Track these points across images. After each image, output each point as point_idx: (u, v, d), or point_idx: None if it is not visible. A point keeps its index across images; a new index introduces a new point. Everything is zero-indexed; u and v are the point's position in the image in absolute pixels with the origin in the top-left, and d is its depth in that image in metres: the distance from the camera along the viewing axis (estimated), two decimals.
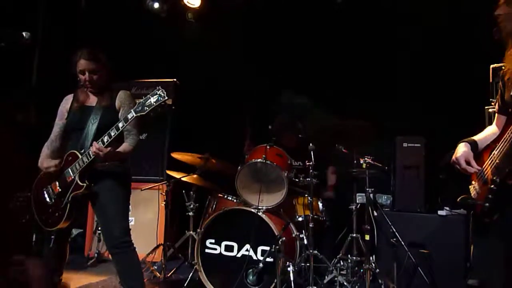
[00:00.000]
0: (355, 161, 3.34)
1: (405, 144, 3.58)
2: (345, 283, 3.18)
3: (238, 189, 3.37)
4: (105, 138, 2.40)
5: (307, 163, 3.26)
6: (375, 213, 3.43)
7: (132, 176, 2.76)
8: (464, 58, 3.90)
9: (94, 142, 2.40)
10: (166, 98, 2.32)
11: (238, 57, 4.80)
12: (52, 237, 2.57)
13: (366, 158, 3.30)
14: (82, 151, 2.48)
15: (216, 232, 3.27)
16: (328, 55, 4.54)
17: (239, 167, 3.38)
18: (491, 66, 3.35)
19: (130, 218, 2.98)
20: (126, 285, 2.51)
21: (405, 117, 4.12)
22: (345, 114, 3.81)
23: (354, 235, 3.30)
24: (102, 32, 4.59)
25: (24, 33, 2.15)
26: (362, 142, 3.37)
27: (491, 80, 3.32)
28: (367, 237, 3.26)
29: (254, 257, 3.14)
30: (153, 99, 2.32)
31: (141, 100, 2.36)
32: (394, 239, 3.23)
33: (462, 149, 1.84)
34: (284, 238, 3.02)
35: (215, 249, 3.26)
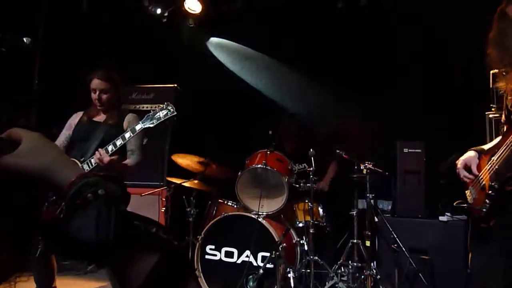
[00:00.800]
0: (355, 167, 3.34)
1: (405, 150, 3.57)
2: None
3: (238, 195, 3.36)
4: (110, 147, 2.43)
5: (308, 169, 3.25)
6: (376, 219, 3.42)
7: (132, 182, 2.76)
8: (464, 63, 3.89)
9: (99, 149, 2.42)
10: (175, 113, 2.37)
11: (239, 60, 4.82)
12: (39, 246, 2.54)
13: (366, 164, 3.30)
14: (82, 159, 2.50)
15: (216, 238, 3.26)
16: (329, 57, 4.54)
17: (240, 173, 3.37)
18: (491, 71, 3.35)
19: None
20: None
21: (405, 123, 4.11)
22: (346, 119, 3.80)
23: (355, 240, 3.28)
24: (103, 37, 4.61)
25: (25, 39, 2.17)
26: (362, 147, 3.36)
27: (491, 86, 3.32)
28: (368, 243, 3.25)
29: (254, 263, 3.13)
30: (162, 113, 2.38)
31: (149, 114, 2.42)
32: (395, 245, 3.21)
33: (468, 154, 1.85)
34: (284, 244, 3.01)
35: (215, 255, 3.24)
